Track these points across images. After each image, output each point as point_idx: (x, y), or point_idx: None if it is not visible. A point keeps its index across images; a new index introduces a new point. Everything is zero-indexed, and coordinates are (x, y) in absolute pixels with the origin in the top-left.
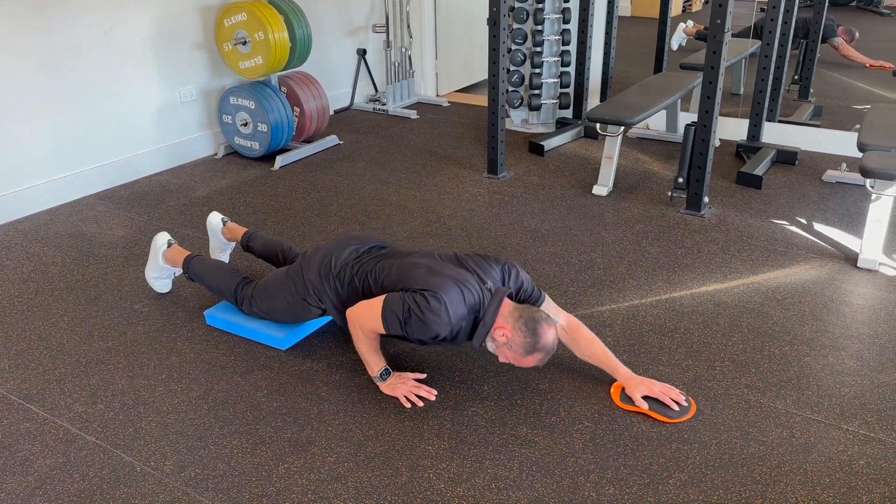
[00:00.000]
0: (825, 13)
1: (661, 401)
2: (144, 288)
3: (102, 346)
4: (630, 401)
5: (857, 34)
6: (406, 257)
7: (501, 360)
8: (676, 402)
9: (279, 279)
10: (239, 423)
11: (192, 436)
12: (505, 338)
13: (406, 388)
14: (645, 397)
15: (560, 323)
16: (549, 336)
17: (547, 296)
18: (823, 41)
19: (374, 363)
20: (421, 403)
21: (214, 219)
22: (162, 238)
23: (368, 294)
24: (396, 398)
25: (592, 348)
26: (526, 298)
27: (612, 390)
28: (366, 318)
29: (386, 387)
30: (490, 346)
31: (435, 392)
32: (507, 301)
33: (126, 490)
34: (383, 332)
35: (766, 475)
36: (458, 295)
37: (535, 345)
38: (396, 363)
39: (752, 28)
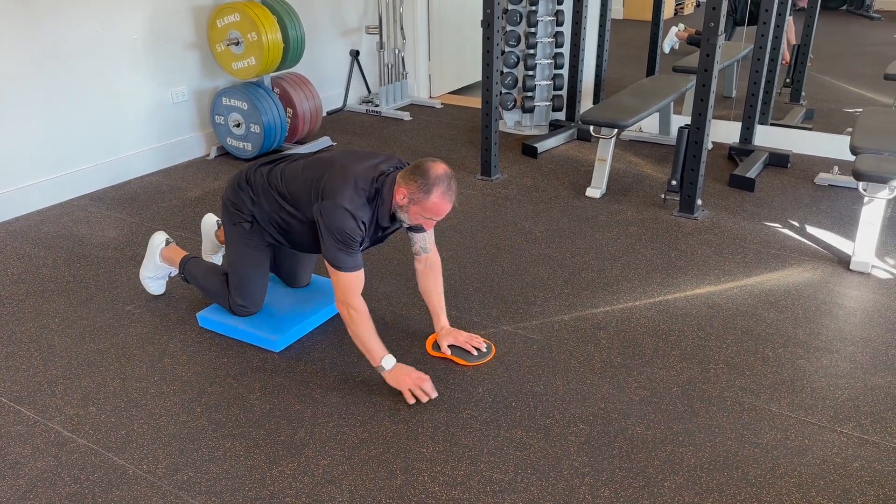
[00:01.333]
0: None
1: (464, 348)
2: (136, 289)
3: (94, 347)
4: (439, 348)
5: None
6: (300, 161)
7: (414, 221)
8: (477, 349)
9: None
10: (232, 426)
11: (185, 438)
12: (404, 196)
13: (411, 380)
14: (451, 346)
15: (429, 255)
16: (436, 168)
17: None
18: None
19: (376, 352)
20: (425, 398)
21: (209, 220)
22: (160, 237)
23: (279, 194)
24: (394, 397)
25: (430, 290)
26: None
27: (427, 342)
28: (338, 288)
29: (390, 377)
30: (404, 218)
31: (436, 392)
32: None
33: (118, 493)
34: (352, 275)
35: (761, 477)
36: (353, 192)
37: (428, 181)
38: None
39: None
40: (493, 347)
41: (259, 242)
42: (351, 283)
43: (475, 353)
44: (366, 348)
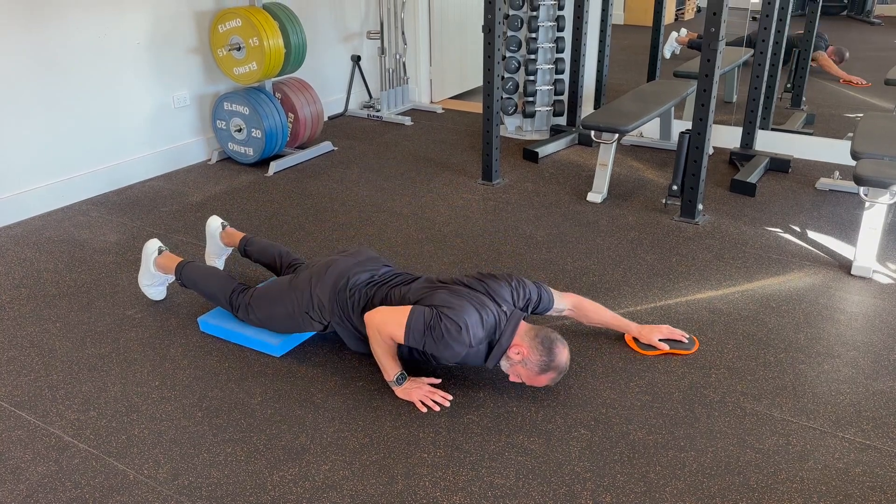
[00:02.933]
0: (817, 25)
1: (674, 338)
2: (137, 294)
3: (95, 352)
4: (649, 347)
5: (846, 54)
6: (421, 282)
7: (513, 379)
8: (684, 337)
9: (281, 288)
10: (233, 431)
11: (186, 443)
12: (521, 356)
13: (422, 392)
14: (661, 340)
15: (568, 305)
16: (563, 356)
17: (549, 288)
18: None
19: (391, 367)
20: (437, 408)
21: (214, 223)
22: (152, 245)
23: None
24: (395, 402)
25: (600, 315)
26: (536, 307)
27: (627, 342)
28: (388, 324)
29: (401, 391)
30: (504, 365)
31: (450, 397)
32: (522, 323)
33: (119, 498)
34: (402, 341)
35: (763, 483)
36: (478, 318)
37: (551, 363)
38: None
39: (745, 39)
40: (696, 338)
41: (313, 329)
42: (397, 335)
43: (685, 340)
44: (381, 363)
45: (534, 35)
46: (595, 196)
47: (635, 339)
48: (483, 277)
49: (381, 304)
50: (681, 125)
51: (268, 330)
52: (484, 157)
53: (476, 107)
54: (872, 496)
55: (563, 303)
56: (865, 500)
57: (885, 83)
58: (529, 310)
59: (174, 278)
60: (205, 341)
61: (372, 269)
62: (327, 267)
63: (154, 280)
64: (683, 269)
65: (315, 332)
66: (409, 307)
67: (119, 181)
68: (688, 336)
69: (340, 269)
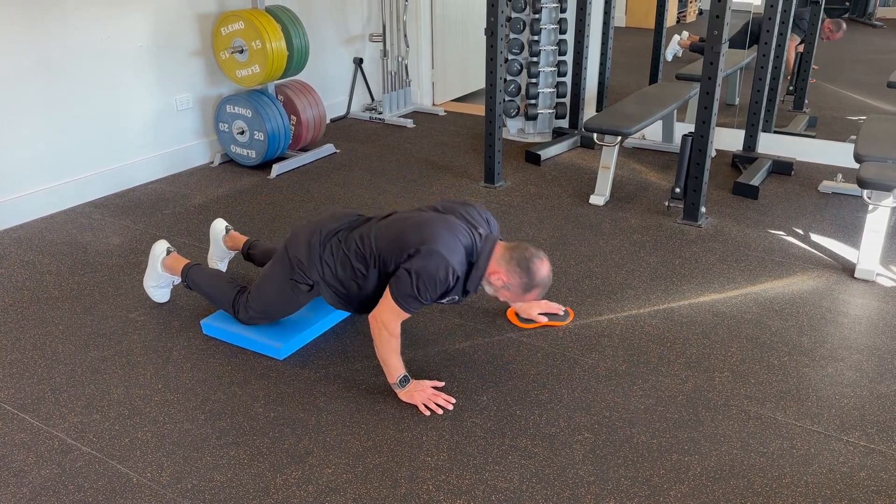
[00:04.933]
0: (818, 26)
1: (552, 312)
2: (140, 297)
3: (98, 355)
4: (528, 321)
5: (844, 26)
6: (391, 216)
7: (502, 300)
8: (561, 309)
9: (265, 270)
10: (236, 434)
11: (189, 446)
12: (501, 281)
13: (425, 395)
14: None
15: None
16: (542, 271)
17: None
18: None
19: (395, 369)
20: (440, 411)
21: (219, 225)
22: (161, 246)
23: (360, 259)
24: (398, 405)
25: None
26: None
27: (508, 316)
28: (386, 313)
29: (404, 394)
30: (488, 289)
31: (453, 400)
32: (498, 243)
33: (122, 502)
34: (408, 315)
35: (767, 487)
36: (453, 241)
37: (532, 282)
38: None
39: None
40: (570, 310)
41: (304, 298)
42: (400, 317)
43: (562, 312)
44: (386, 365)
45: (536, 38)
46: (597, 199)
47: (516, 314)
48: (454, 204)
49: (357, 244)
50: (683, 128)
51: (269, 322)
52: (486, 159)
53: (478, 109)
54: (877, 500)
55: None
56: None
57: (888, 86)
58: None
59: (180, 280)
60: (208, 344)
61: (341, 219)
62: (299, 229)
63: (160, 281)
64: (686, 271)
65: (318, 334)
66: (388, 288)
67: (121, 184)
68: (563, 309)
69: (311, 226)
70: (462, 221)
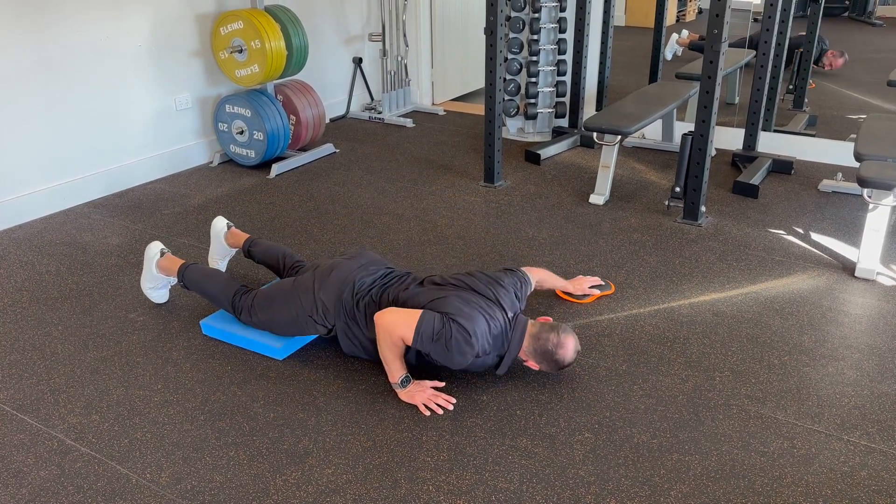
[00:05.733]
0: (818, 26)
1: (598, 284)
2: (139, 297)
3: (97, 355)
4: (583, 297)
5: (846, 56)
6: (429, 284)
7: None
8: (603, 282)
9: (285, 291)
10: (235, 434)
11: (188, 447)
12: (529, 363)
13: (425, 395)
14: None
15: (535, 280)
16: (568, 354)
17: (523, 269)
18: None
19: (397, 369)
20: (440, 411)
21: (220, 223)
22: (154, 248)
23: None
24: (398, 405)
25: (550, 281)
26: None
27: (560, 296)
28: (399, 326)
29: (405, 394)
30: (521, 358)
31: (454, 400)
32: (528, 326)
33: (121, 503)
34: (410, 343)
35: (768, 486)
36: (486, 328)
37: (560, 365)
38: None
39: (746, 40)
40: (611, 283)
41: (316, 331)
42: (410, 332)
43: (603, 283)
44: (388, 364)
45: (535, 37)
46: (597, 198)
47: (569, 294)
48: (491, 283)
49: (388, 307)
50: (683, 127)
51: (270, 333)
52: (486, 159)
53: (478, 109)
54: (878, 500)
55: (533, 279)
56: (871, 503)
57: (888, 84)
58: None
59: (177, 280)
60: (207, 344)
61: (375, 272)
62: (331, 270)
63: (157, 283)
64: (686, 271)
65: (317, 336)
66: (420, 311)
67: (121, 184)
68: (603, 281)
69: (345, 272)
70: (497, 305)
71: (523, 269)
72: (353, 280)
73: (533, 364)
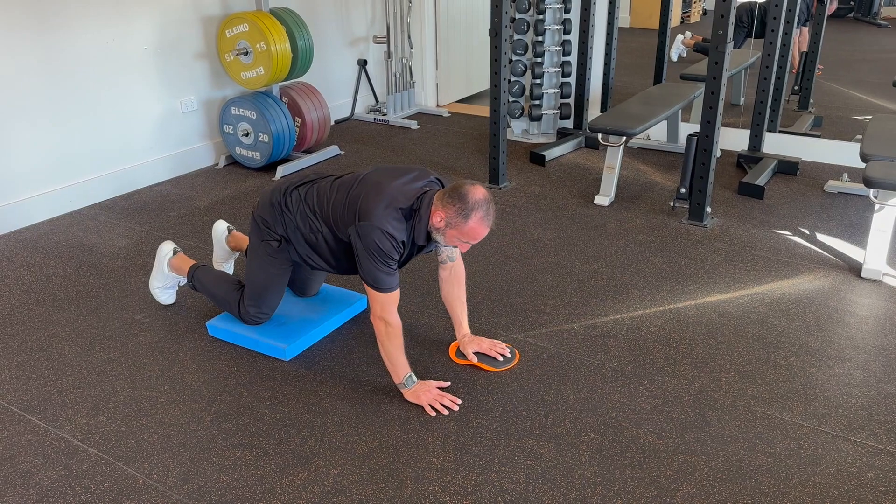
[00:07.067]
0: (823, 27)
1: (490, 354)
2: (146, 298)
3: (104, 357)
4: (463, 356)
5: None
6: (343, 178)
7: (450, 243)
8: (501, 354)
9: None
10: (242, 435)
11: (195, 448)
12: (442, 220)
13: (430, 395)
14: (476, 353)
15: (454, 264)
16: (475, 193)
17: (456, 254)
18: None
19: (400, 369)
20: (446, 412)
21: (220, 227)
22: (167, 246)
23: (315, 215)
24: (404, 405)
25: (453, 298)
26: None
27: (449, 349)
28: (375, 303)
29: (410, 394)
30: (440, 239)
31: (459, 401)
32: (438, 192)
33: (128, 503)
34: (392, 292)
35: (774, 487)
36: (387, 210)
37: (466, 206)
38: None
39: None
40: (517, 353)
41: (284, 261)
42: (389, 301)
43: (500, 358)
44: (392, 364)
45: (540, 38)
46: (602, 199)
47: (456, 350)
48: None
49: (314, 202)
50: (688, 128)
51: (262, 311)
52: (491, 160)
53: (482, 110)
54: (885, 501)
55: (454, 255)
56: None
57: (894, 85)
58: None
59: (186, 281)
60: (213, 345)
61: (306, 176)
62: (262, 193)
63: (166, 282)
64: (692, 272)
65: (323, 335)
66: (364, 280)
67: (127, 186)
68: (510, 351)
69: (273, 186)
70: (397, 182)
71: (456, 258)
72: (279, 187)
73: (444, 228)
